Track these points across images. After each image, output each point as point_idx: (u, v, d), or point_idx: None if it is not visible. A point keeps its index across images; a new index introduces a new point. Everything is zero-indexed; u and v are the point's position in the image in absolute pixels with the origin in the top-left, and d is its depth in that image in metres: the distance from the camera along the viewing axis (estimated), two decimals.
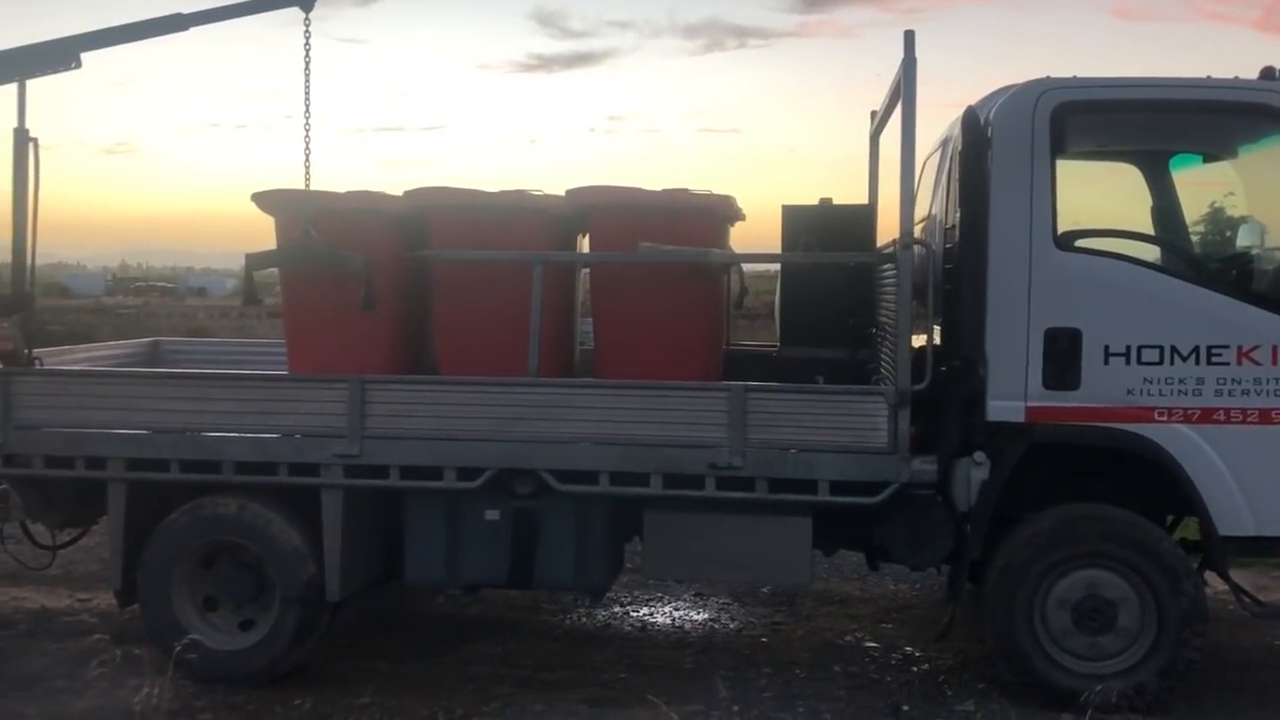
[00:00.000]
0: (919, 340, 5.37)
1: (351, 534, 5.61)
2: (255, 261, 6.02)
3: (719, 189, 5.95)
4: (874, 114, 7.25)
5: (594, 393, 5.49)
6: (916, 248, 5.35)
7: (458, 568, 5.67)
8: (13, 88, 6.25)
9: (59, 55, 6.18)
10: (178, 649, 4.99)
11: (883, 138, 7.16)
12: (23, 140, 6.21)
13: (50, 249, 6.39)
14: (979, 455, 5.29)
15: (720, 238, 6.02)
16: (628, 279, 5.83)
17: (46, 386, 5.85)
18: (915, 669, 6.00)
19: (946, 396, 5.37)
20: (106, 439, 5.69)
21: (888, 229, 6.56)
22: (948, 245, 5.64)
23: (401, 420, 5.50)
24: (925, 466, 5.23)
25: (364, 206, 5.98)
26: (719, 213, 5.98)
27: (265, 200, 6.02)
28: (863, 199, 7.27)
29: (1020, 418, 5.25)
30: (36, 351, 6.45)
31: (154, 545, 5.71)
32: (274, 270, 6.24)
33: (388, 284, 5.89)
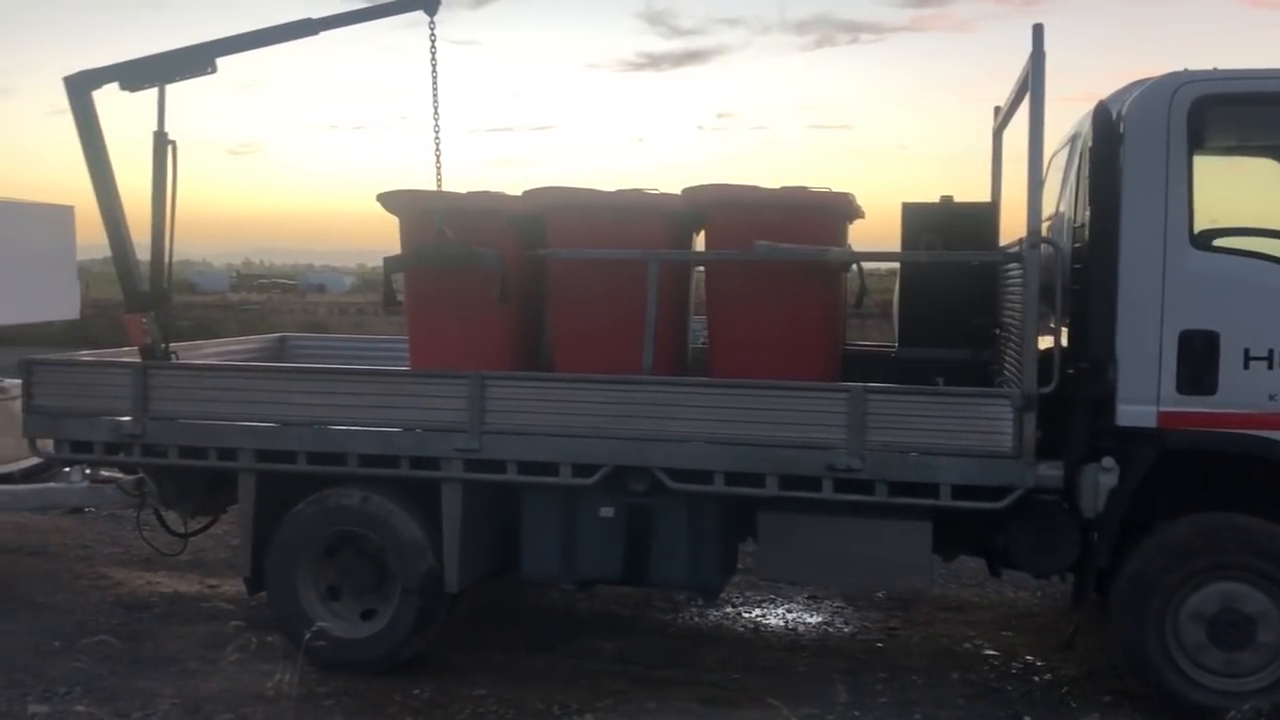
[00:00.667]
0: (1045, 342, 5.23)
1: (470, 527, 5.71)
2: (393, 264, 6.15)
3: (829, 185, 5.88)
4: (997, 109, 7.09)
5: (709, 392, 5.47)
6: (1044, 246, 5.20)
7: (572, 563, 5.72)
8: (153, 92, 6.51)
9: (196, 61, 6.42)
10: (307, 636, 5.13)
11: (1006, 133, 7.00)
12: (162, 143, 6.47)
13: (178, 246, 6.66)
14: (1107, 461, 5.12)
15: (839, 236, 5.94)
16: (744, 277, 5.80)
17: (182, 380, 6.08)
18: (1037, 679, 5.85)
19: (1073, 400, 5.21)
20: (238, 430, 5.88)
21: (1010, 228, 6.42)
22: (1076, 244, 5.48)
23: (519, 416, 5.56)
24: (1051, 472, 5.08)
25: (486, 207, 6.08)
26: (837, 210, 5.91)
27: (391, 200, 6.16)
28: (983, 196, 7.11)
29: (1152, 423, 5.06)
30: (171, 346, 6.72)
31: (281, 535, 5.89)
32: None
33: (508, 282, 5.97)
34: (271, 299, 47.96)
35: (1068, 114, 6.23)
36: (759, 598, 7.26)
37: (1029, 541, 5.30)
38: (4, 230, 7.76)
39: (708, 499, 5.48)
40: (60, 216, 8.26)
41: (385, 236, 6.37)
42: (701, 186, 5.90)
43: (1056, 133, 6.37)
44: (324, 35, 6.63)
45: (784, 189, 5.81)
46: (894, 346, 6.68)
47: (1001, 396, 5.15)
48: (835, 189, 5.87)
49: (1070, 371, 5.18)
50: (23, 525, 8.94)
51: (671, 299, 5.97)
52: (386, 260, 6.17)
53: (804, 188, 5.84)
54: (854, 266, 5.95)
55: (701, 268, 6.27)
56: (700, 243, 6.27)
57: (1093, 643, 5.91)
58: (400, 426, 5.71)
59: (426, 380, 5.78)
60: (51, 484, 7.49)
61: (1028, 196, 5.13)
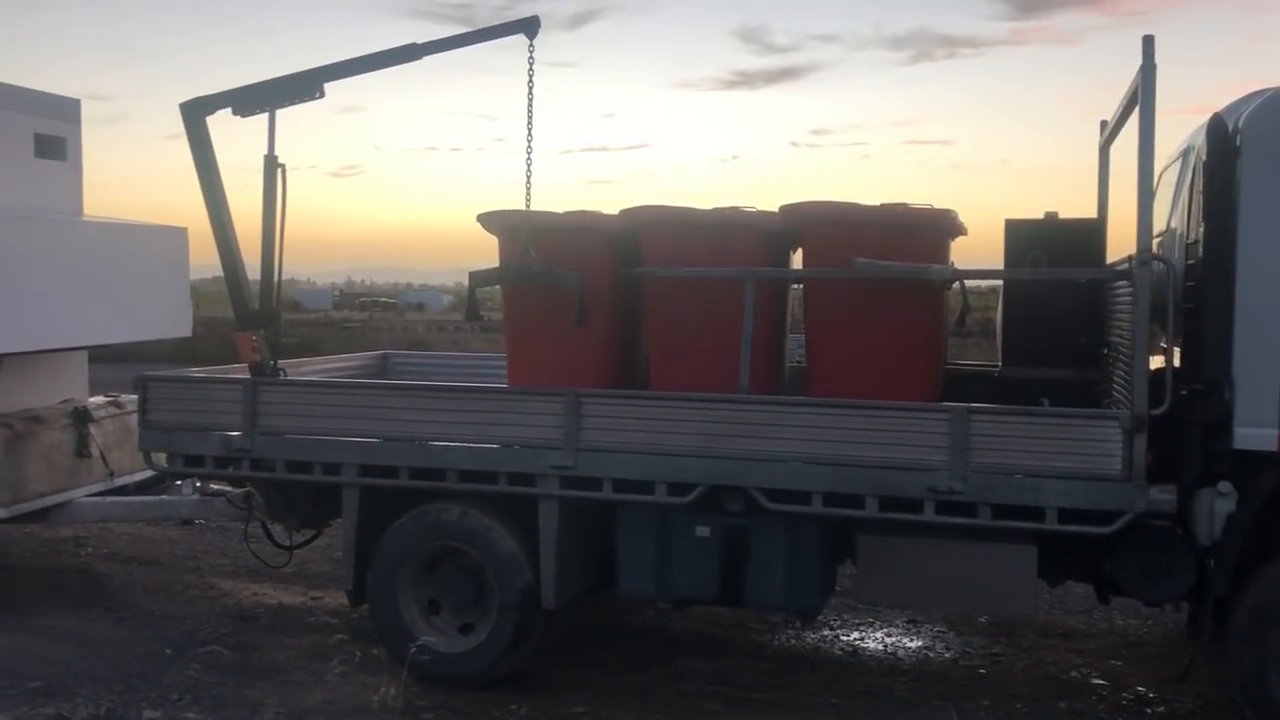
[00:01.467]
0: (1155, 362, 5.06)
1: (566, 544, 5.73)
2: (478, 279, 6.25)
3: (930, 202, 5.79)
4: (1104, 123, 6.92)
5: (806, 411, 5.40)
6: (1155, 264, 5.05)
7: (668, 582, 5.70)
8: (263, 117, 6.71)
9: (305, 86, 6.59)
10: (412, 650, 5.19)
11: (1114, 148, 6.82)
12: (272, 166, 6.65)
13: (285, 266, 6.85)
14: (1224, 485, 4.92)
15: (940, 253, 5.84)
16: (843, 296, 5.73)
17: (289, 396, 6.23)
18: (1149, 711, 5.65)
19: (1187, 422, 5.03)
20: (342, 445, 6.01)
21: (1118, 244, 6.25)
22: (1189, 261, 5.30)
23: (615, 434, 5.57)
24: (1163, 496, 4.91)
25: (582, 225, 6.12)
26: (939, 227, 5.81)
27: (489, 220, 6.25)
28: (1089, 212, 6.94)
29: (1272, 446, 4.86)
30: (279, 363, 6.90)
31: (383, 548, 5.99)
32: (496, 287, 6.46)
33: (603, 300, 6.01)
34: (373, 317, 48.99)
35: (1179, 127, 6.05)
36: (857, 620, 7.15)
37: (1140, 568, 5.13)
38: (121, 251, 8.06)
39: (805, 520, 5.42)
40: (174, 237, 8.54)
41: (482, 255, 6.44)
42: (799, 203, 5.86)
43: (1167, 146, 6.20)
44: (423, 59, 6.74)
45: (884, 206, 5.74)
46: (997, 366, 6.55)
47: (1110, 418, 5.00)
48: (936, 205, 5.78)
49: (1183, 393, 5.01)
50: (137, 536, 9.27)
51: (768, 317, 5.94)
52: (472, 275, 6.27)
53: (904, 204, 5.76)
54: (956, 284, 5.85)
55: (799, 286, 6.23)
56: (797, 261, 6.23)
57: (1209, 675, 5.69)
58: (498, 443, 5.77)
59: (523, 397, 5.83)
60: (164, 496, 7.76)
61: (1137, 212, 4.99)
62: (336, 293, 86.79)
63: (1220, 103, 5.29)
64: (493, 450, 5.78)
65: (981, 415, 5.09)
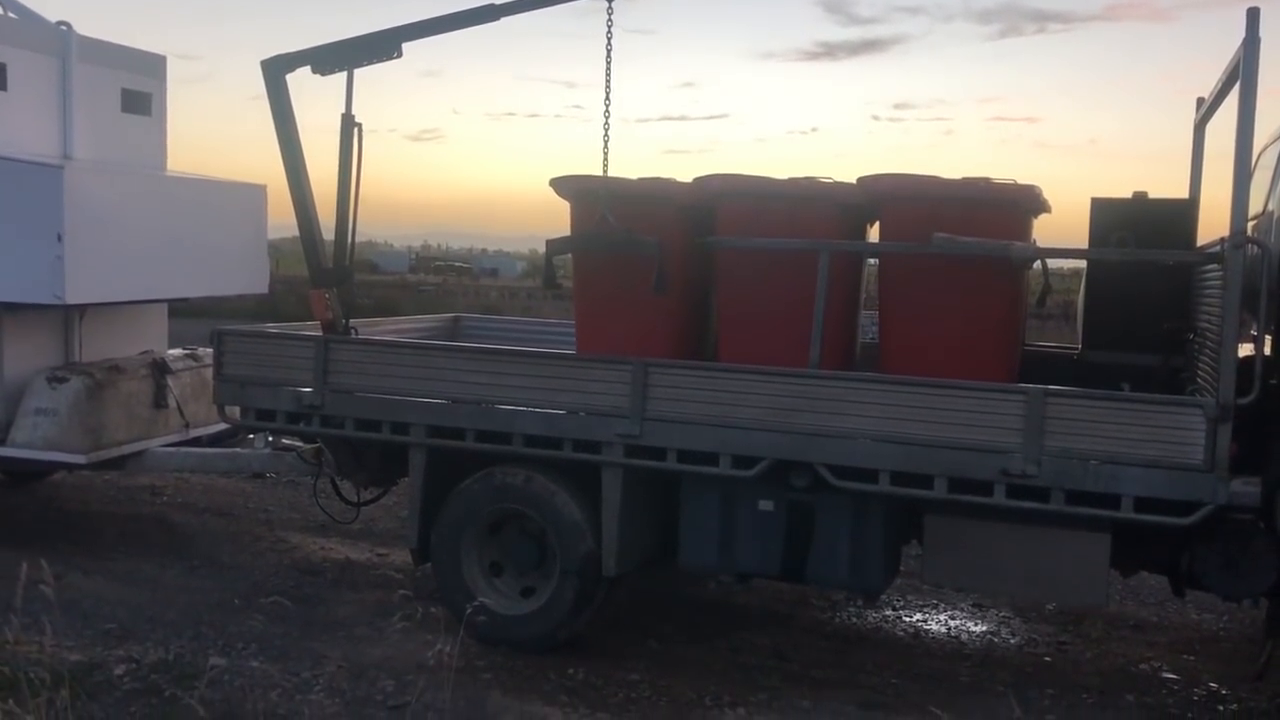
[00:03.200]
0: (1245, 349, 4.87)
1: (629, 512, 5.71)
2: (555, 247, 6.22)
3: (1013, 179, 5.62)
4: (1200, 101, 6.67)
5: (878, 388, 5.30)
6: (1249, 247, 4.85)
7: (730, 555, 5.66)
8: (341, 77, 6.73)
9: (384, 45, 6.59)
10: (469, 610, 5.24)
11: (1210, 126, 6.57)
12: (349, 125, 6.68)
13: (361, 228, 6.88)
14: None
15: (1022, 231, 5.67)
16: (920, 272, 5.60)
17: (361, 355, 6.28)
18: (1222, 708, 5.49)
19: (1276, 412, 4.84)
20: (411, 406, 6.05)
21: (1209, 227, 6.04)
22: None
23: (681, 404, 5.52)
24: (1247, 488, 4.74)
25: (655, 193, 6.05)
26: (1021, 204, 5.64)
27: (562, 186, 6.21)
28: (1180, 193, 6.70)
29: None
30: (352, 322, 6.96)
31: (448, 509, 6.04)
32: (568, 254, 6.43)
33: (675, 270, 5.94)
34: (447, 281, 49.44)
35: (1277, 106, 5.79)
36: (921, 602, 7.05)
37: (1220, 562, 4.98)
38: (201, 206, 8.18)
39: (872, 498, 5.33)
40: (253, 195, 8.64)
41: (556, 222, 6.40)
42: (878, 176, 5.73)
43: (1268, 125, 5.94)
44: (503, 23, 6.70)
45: (965, 180, 5.59)
46: (1077, 349, 6.37)
47: (1194, 406, 4.82)
48: (1020, 182, 5.61)
49: (1273, 382, 4.82)
50: (210, 487, 9.47)
51: (842, 291, 5.83)
52: (549, 242, 6.24)
53: (986, 179, 5.61)
54: (1037, 263, 5.69)
55: (875, 260, 6.11)
56: (874, 235, 6.11)
57: None
58: (564, 409, 5.76)
59: (591, 365, 5.80)
60: (238, 449, 7.92)
61: (1233, 193, 4.79)
62: (413, 256, 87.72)
63: None
64: (559, 416, 5.77)
65: (1059, 398, 4.94)
